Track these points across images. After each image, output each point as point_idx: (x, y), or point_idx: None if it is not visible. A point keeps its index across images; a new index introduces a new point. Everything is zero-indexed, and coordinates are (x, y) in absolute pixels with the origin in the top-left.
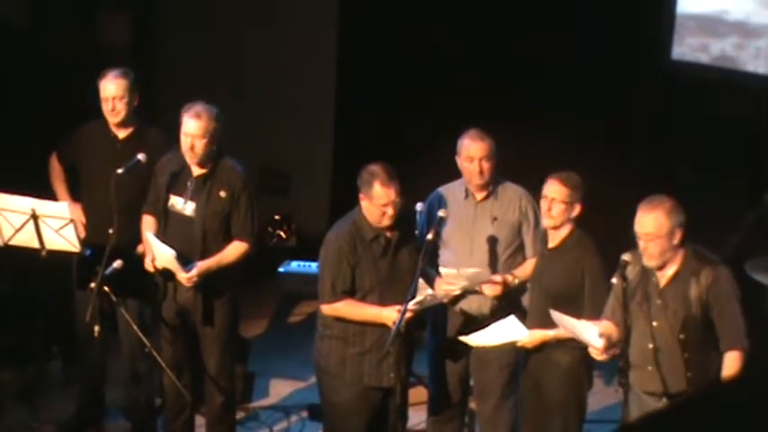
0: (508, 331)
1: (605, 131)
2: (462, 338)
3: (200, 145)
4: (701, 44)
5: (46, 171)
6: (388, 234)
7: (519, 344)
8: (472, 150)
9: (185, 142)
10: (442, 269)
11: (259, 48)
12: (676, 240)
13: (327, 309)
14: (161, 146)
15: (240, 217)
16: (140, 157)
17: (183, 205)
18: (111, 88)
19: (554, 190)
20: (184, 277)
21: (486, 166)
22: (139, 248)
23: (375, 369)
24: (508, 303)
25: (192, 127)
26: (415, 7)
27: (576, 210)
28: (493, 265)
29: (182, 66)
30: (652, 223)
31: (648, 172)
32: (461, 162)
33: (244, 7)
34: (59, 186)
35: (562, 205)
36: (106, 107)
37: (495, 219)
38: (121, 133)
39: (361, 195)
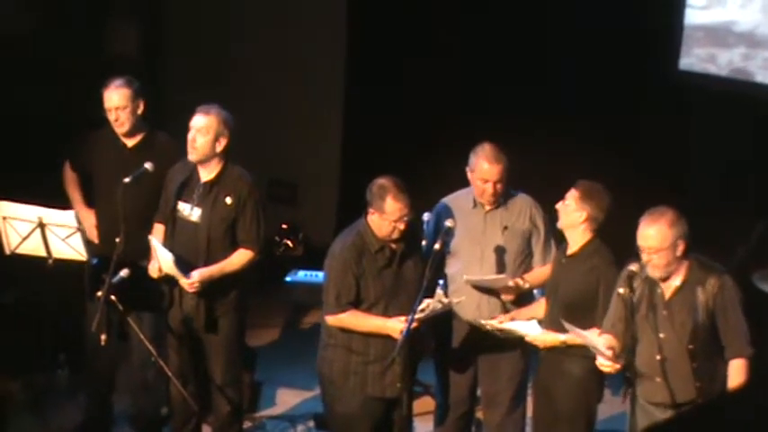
0: (523, 324)
1: (613, 142)
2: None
3: (201, 140)
4: (709, 55)
5: (47, 178)
6: (394, 245)
7: (528, 339)
8: (487, 174)
9: (189, 135)
10: (465, 277)
11: (267, 57)
12: (680, 251)
13: (332, 320)
14: (171, 152)
15: (246, 224)
16: (147, 166)
17: (189, 211)
18: (114, 98)
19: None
20: (186, 283)
21: (499, 186)
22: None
23: (378, 379)
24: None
25: (198, 121)
26: (424, 15)
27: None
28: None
29: (189, 75)
30: (655, 236)
31: (657, 182)
32: (474, 179)
33: (251, 17)
34: (74, 193)
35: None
36: (111, 117)
37: (506, 228)
38: (130, 141)
39: (370, 210)
